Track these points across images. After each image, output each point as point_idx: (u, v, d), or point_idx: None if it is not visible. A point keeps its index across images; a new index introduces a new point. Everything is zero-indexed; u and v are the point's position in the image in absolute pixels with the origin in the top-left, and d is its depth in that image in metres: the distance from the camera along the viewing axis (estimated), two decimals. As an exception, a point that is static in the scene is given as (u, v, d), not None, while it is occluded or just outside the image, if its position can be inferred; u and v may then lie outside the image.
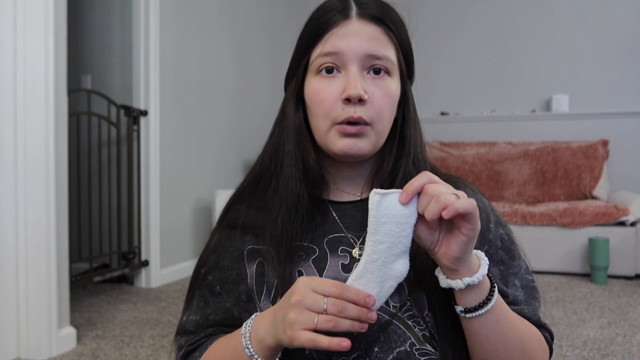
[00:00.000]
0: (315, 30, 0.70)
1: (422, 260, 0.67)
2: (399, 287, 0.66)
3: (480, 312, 0.62)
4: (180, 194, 3.54)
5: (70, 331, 2.25)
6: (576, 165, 4.13)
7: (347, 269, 0.70)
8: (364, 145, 0.69)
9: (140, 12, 3.20)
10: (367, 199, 0.68)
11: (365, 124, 0.68)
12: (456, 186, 0.72)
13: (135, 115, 3.21)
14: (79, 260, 2.98)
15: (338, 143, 0.69)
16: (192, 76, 3.63)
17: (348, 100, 0.67)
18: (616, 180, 4.25)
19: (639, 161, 4.24)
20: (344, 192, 0.76)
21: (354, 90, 0.66)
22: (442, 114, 4.79)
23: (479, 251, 0.64)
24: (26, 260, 2.11)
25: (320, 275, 0.70)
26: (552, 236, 3.62)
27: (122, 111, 3.21)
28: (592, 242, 3.36)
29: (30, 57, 2.10)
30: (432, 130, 4.76)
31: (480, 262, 0.62)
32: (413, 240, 0.61)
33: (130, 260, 3.23)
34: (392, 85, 0.71)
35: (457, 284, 0.60)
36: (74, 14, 3.30)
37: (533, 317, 0.73)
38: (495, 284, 0.64)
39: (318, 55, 0.69)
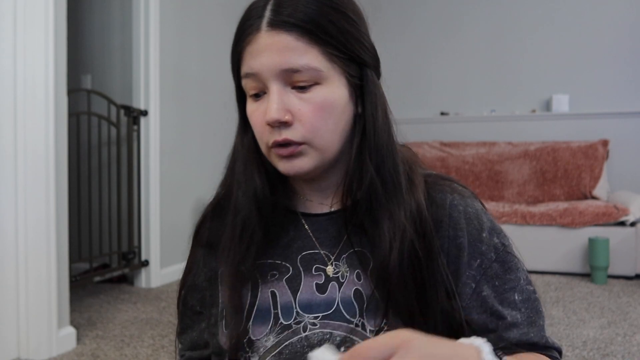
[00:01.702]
0: (234, 47, 0.64)
1: (395, 284, 0.62)
2: (376, 310, 0.64)
3: None
4: (180, 194, 3.54)
5: (70, 331, 2.25)
6: (576, 165, 4.13)
7: (322, 289, 0.66)
8: (304, 163, 0.63)
9: (140, 12, 3.20)
10: (339, 211, 0.67)
11: (298, 143, 0.62)
12: (442, 192, 0.67)
13: (135, 115, 3.21)
14: (79, 260, 2.98)
15: (279, 165, 0.64)
16: (192, 76, 3.63)
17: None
18: (616, 180, 4.25)
19: (639, 161, 4.24)
20: (317, 204, 0.71)
21: (269, 116, 0.60)
22: (442, 114, 4.79)
23: (479, 341, 0.49)
24: (26, 260, 2.11)
25: (294, 297, 0.67)
26: (552, 236, 3.62)
27: (122, 111, 3.21)
28: (592, 242, 3.36)
29: (30, 57, 2.10)
30: (432, 130, 4.76)
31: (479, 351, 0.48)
32: (377, 248, 0.61)
33: (130, 260, 3.23)
34: (326, 93, 0.61)
35: None
36: (74, 14, 3.30)
37: (540, 340, 0.66)
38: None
39: (242, 76, 0.64)
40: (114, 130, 3.26)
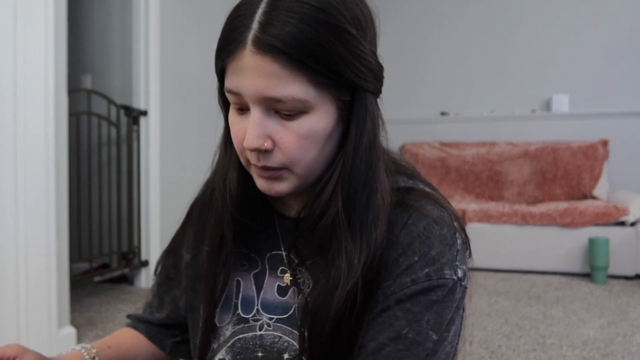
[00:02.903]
0: (219, 54, 0.58)
1: (316, 314, 0.59)
2: (291, 339, 0.63)
3: None
4: (180, 194, 3.53)
5: (70, 331, 2.25)
6: (576, 165, 4.13)
7: (283, 292, 0.65)
8: (283, 187, 0.60)
9: (140, 12, 3.20)
10: (301, 220, 0.62)
11: (277, 169, 0.59)
12: (406, 210, 0.61)
13: (135, 115, 3.21)
14: (79, 260, 2.98)
15: (257, 182, 0.61)
16: (192, 76, 3.63)
17: None
18: (616, 180, 4.25)
19: (639, 161, 4.24)
20: (289, 206, 0.68)
21: (247, 143, 0.56)
22: (442, 114, 4.79)
23: None
24: (26, 260, 2.11)
25: (258, 294, 0.67)
26: (552, 236, 3.62)
27: (122, 111, 3.21)
28: (592, 242, 3.36)
29: (30, 57, 2.10)
30: (432, 130, 4.76)
31: None
32: (324, 279, 0.59)
33: (130, 260, 3.23)
34: (312, 123, 0.57)
35: None
36: (74, 14, 3.30)
37: None
38: None
39: (226, 89, 0.59)
40: (114, 130, 3.26)
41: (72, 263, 2.48)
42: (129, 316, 0.85)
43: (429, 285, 0.58)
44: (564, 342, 2.30)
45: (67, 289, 2.26)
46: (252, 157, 0.59)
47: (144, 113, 3.24)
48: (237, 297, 0.68)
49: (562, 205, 3.75)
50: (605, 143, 4.19)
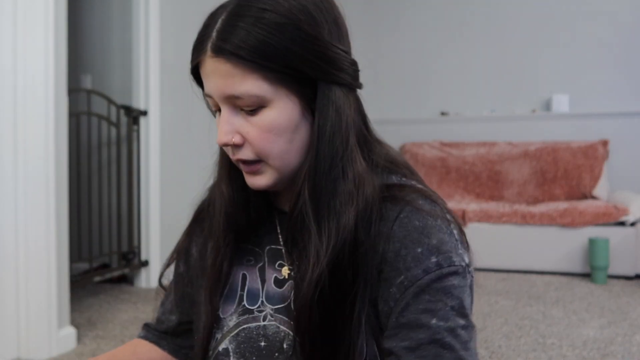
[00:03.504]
0: (191, 61, 0.65)
1: (300, 311, 0.61)
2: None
3: None
4: (180, 194, 3.54)
5: (70, 331, 2.25)
6: (576, 165, 4.13)
7: (281, 284, 0.68)
8: (264, 181, 0.64)
9: (140, 12, 3.20)
10: (288, 214, 0.65)
11: (253, 162, 0.63)
12: (397, 203, 0.62)
13: (135, 115, 3.21)
14: (79, 260, 2.98)
15: (245, 178, 0.67)
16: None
17: None
18: (616, 180, 4.25)
19: (639, 161, 4.24)
20: (285, 201, 0.71)
21: (218, 139, 0.63)
22: (442, 114, 4.79)
23: None
24: (26, 260, 2.11)
25: (262, 287, 0.70)
26: (552, 236, 3.62)
27: (122, 111, 3.21)
28: (592, 242, 3.36)
29: (30, 57, 2.10)
30: (432, 130, 4.76)
31: None
32: (299, 267, 0.61)
33: (130, 260, 3.23)
34: (272, 116, 0.61)
35: None
36: (73, 14, 3.30)
37: None
38: None
39: (203, 94, 0.66)
40: (114, 130, 3.26)
41: (72, 263, 2.48)
42: (146, 326, 0.86)
43: (441, 273, 0.58)
44: (564, 342, 2.30)
45: (67, 289, 2.26)
46: (230, 153, 0.64)
47: (144, 113, 3.24)
48: (242, 290, 0.70)
49: (562, 205, 3.75)
50: (605, 143, 4.19)
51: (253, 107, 0.61)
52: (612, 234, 3.47)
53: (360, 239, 0.61)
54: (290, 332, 0.65)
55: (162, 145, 3.34)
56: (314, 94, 0.62)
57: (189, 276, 0.79)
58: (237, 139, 0.62)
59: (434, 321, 0.57)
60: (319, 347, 0.61)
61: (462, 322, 0.58)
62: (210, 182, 0.80)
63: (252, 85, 0.59)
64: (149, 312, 2.73)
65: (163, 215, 3.36)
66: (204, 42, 0.61)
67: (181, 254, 0.81)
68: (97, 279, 3.05)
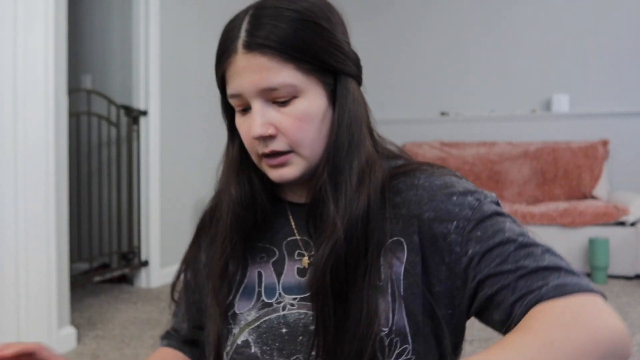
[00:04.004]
0: (216, 68, 0.69)
1: (318, 287, 0.64)
2: None
3: None
4: (180, 194, 3.54)
5: (70, 331, 2.25)
6: (576, 165, 4.13)
7: (303, 273, 0.71)
8: (292, 171, 0.68)
9: (140, 12, 3.20)
10: (307, 205, 0.70)
11: (285, 153, 0.67)
12: (409, 176, 0.69)
13: (135, 115, 3.22)
14: (79, 260, 2.98)
15: (269, 174, 0.69)
16: (192, 76, 3.63)
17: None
18: (616, 180, 4.25)
19: (639, 161, 4.23)
20: (299, 195, 0.75)
21: (253, 132, 0.65)
22: (442, 114, 4.79)
23: None
24: (26, 260, 2.11)
25: (278, 280, 0.72)
26: (552, 236, 3.62)
27: (122, 111, 3.21)
28: (592, 242, 3.36)
29: (30, 57, 2.10)
30: (432, 130, 4.76)
31: None
32: (317, 245, 0.65)
33: (130, 260, 3.23)
34: (305, 105, 0.66)
35: None
36: (74, 14, 3.30)
37: (540, 268, 0.59)
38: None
39: (228, 96, 0.69)
40: (114, 130, 3.26)
41: (72, 263, 2.48)
42: (167, 334, 0.88)
43: (484, 203, 0.64)
44: (564, 342, 2.30)
45: (67, 289, 2.27)
46: (261, 146, 0.67)
47: (144, 113, 3.24)
48: (259, 286, 0.73)
49: (562, 205, 3.75)
50: (605, 143, 4.19)
51: (287, 98, 0.65)
52: (612, 234, 3.47)
53: (373, 212, 0.65)
54: None
55: (162, 145, 3.35)
56: (334, 85, 0.68)
57: (196, 283, 0.81)
58: (271, 131, 0.65)
59: (506, 235, 0.61)
60: (333, 313, 0.64)
61: (523, 228, 0.64)
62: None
63: (287, 75, 0.64)
64: (149, 312, 2.73)
65: (163, 215, 3.36)
66: (233, 43, 0.65)
67: (189, 264, 0.82)
68: (97, 279, 3.05)
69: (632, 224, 3.50)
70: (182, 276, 0.83)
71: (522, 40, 4.55)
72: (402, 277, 0.65)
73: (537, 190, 4.21)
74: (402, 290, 0.65)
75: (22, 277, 2.12)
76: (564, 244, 3.59)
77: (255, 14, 0.65)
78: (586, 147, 4.17)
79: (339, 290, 0.64)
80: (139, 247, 3.27)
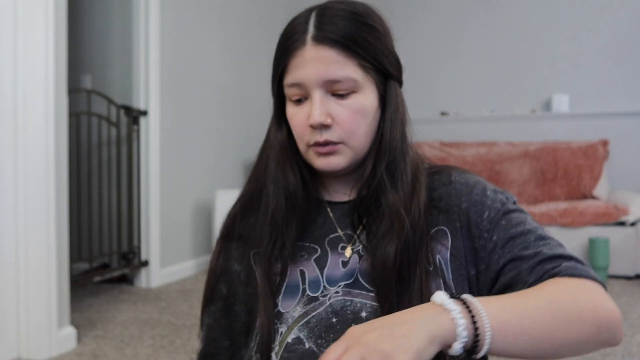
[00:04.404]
0: (279, 58, 0.73)
1: (382, 270, 0.68)
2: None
3: (486, 344, 0.54)
4: (180, 194, 3.54)
5: (70, 331, 2.25)
6: (576, 165, 4.13)
7: (345, 264, 0.74)
8: (340, 161, 0.72)
9: (140, 12, 3.20)
10: (354, 200, 0.75)
11: (336, 143, 0.71)
12: (446, 174, 0.76)
13: (135, 115, 3.22)
14: (79, 260, 2.98)
15: (316, 162, 0.73)
16: (192, 76, 3.63)
17: (314, 127, 0.70)
18: (616, 180, 4.25)
19: (639, 161, 4.23)
20: (340, 193, 0.79)
21: (312, 119, 0.69)
22: (442, 114, 4.79)
23: (435, 298, 0.56)
24: (26, 260, 2.11)
25: (322, 273, 0.74)
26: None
27: (122, 111, 3.21)
28: (592, 242, 3.36)
29: (30, 57, 2.10)
30: (432, 130, 4.76)
31: (435, 304, 0.55)
32: (376, 234, 0.70)
33: (130, 260, 3.23)
34: (361, 100, 0.71)
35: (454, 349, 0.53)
36: (74, 14, 3.30)
37: (555, 254, 0.66)
38: (475, 305, 0.55)
39: (286, 85, 0.72)
40: (114, 130, 3.26)
41: (72, 263, 2.48)
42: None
43: (511, 203, 0.73)
44: (564, 342, 2.30)
45: (67, 289, 2.27)
46: (315, 135, 0.70)
47: (144, 113, 3.24)
48: (304, 284, 0.74)
49: (562, 205, 3.75)
50: (605, 143, 4.19)
51: (346, 92, 0.70)
52: (612, 234, 3.47)
53: (426, 202, 0.72)
54: (368, 301, 0.70)
55: (162, 145, 3.35)
56: (384, 87, 0.73)
57: (233, 294, 0.79)
58: (329, 120, 0.70)
59: (527, 227, 0.70)
60: (395, 296, 0.68)
61: (540, 227, 0.72)
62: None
63: (350, 70, 0.69)
64: (149, 312, 2.73)
65: (163, 215, 3.36)
66: (302, 36, 0.69)
67: (221, 275, 0.80)
68: (97, 279, 3.05)
69: (632, 224, 3.50)
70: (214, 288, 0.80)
71: (522, 40, 4.55)
72: (449, 261, 0.71)
73: (537, 190, 4.21)
74: (450, 273, 0.70)
75: (22, 277, 2.12)
76: (564, 243, 3.56)
77: (322, 13, 0.70)
78: (586, 147, 4.17)
79: (400, 275, 0.68)
80: (139, 247, 3.27)
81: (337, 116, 0.70)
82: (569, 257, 0.66)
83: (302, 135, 0.72)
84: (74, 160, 2.91)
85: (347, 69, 0.69)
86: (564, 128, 4.41)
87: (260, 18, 4.39)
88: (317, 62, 0.68)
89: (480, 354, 0.55)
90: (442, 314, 0.53)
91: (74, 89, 3.09)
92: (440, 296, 0.55)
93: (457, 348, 0.53)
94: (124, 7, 3.37)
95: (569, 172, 4.14)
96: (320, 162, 0.72)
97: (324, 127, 0.70)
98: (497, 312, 0.55)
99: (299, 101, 0.72)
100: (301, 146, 0.74)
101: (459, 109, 4.77)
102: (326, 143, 0.70)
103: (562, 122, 4.42)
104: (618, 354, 2.14)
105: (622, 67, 4.28)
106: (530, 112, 4.55)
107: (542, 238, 0.69)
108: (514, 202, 0.74)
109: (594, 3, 4.36)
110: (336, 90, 0.70)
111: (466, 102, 4.74)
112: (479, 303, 0.55)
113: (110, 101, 3.17)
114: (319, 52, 0.68)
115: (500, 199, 0.73)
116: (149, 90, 3.23)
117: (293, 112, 0.73)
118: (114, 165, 3.26)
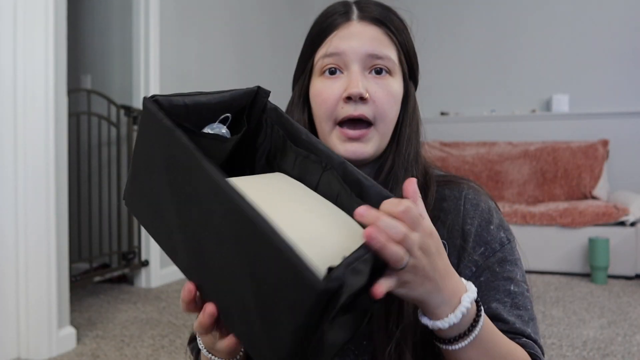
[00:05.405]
0: (318, 33, 0.73)
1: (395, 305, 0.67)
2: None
3: (463, 343, 0.57)
4: (180, 194, 3.53)
5: (70, 331, 2.25)
6: (576, 165, 4.13)
7: None
8: (368, 149, 0.70)
9: (140, 12, 3.20)
10: None
11: (368, 123, 0.70)
12: (457, 188, 0.75)
13: (135, 115, 3.21)
14: (79, 260, 2.98)
15: (340, 148, 0.70)
16: (192, 76, 3.63)
17: (349, 99, 0.69)
18: (616, 180, 4.25)
19: (639, 161, 4.24)
20: None
21: (354, 88, 0.68)
22: (442, 114, 4.79)
23: (465, 280, 0.59)
24: (26, 260, 2.11)
25: None
26: (552, 236, 3.62)
27: (122, 111, 3.21)
28: (592, 242, 3.36)
29: (30, 57, 2.10)
30: (432, 130, 4.75)
31: (466, 289, 0.57)
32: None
33: (130, 260, 3.23)
34: (395, 84, 0.71)
35: (441, 324, 0.56)
36: (74, 14, 3.30)
37: (524, 332, 0.69)
38: (482, 308, 0.59)
39: (321, 56, 0.71)
40: (114, 130, 3.26)
41: (72, 263, 2.48)
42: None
43: (510, 245, 0.72)
44: (564, 342, 2.30)
45: (67, 289, 2.26)
46: (348, 108, 0.69)
47: (144, 113, 3.23)
48: None
49: (562, 205, 3.75)
50: (605, 143, 4.19)
51: (385, 71, 0.71)
52: (612, 234, 3.47)
53: (432, 210, 0.72)
54: None
55: (162, 145, 3.34)
56: (406, 85, 0.74)
57: None
58: (368, 94, 0.69)
59: (512, 287, 0.70)
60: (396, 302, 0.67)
61: (526, 287, 0.72)
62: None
63: (391, 52, 0.71)
64: (149, 312, 2.73)
65: (163, 215, 3.35)
66: (346, 16, 0.72)
67: None
68: (97, 279, 3.05)
69: (632, 224, 3.50)
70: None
71: (522, 40, 4.55)
72: None
73: (537, 190, 4.21)
74: None
75: (22, 277, 2.12)
76: (564, 244, 3.59)
77: (361, 2, 0.74)
78: (586, 147, 4.17)
79: None
80: (139, 247, 3.27)
81: (374, 93, 0.69)
82: (534, 340, 0.69)
83: (332, 111, 0.70)
84: (74, 160, 2.91)
85: (389, 49, 0.71)
86: (564, 128, 4.41)
87: (261, 17, 4.39)
88: (363, 36, 0.70)
89: (458, 345, 0.57)
90: (464, 289, 0.57)
91: (74, 89, 3.09)
92: (473, 290, 0.58)
93: (450, 318, 0.55)
94: (124, 7, 3.37)
95: (569, 172, 4.14)
96: (347, 149, 0.70)
97: (361, 100, 0.69)
98: (487, 326, 0.60)
99: (332, 73, 0.71)
100: (327, 126, 0.71)
101: (459, 109, 4.77)
102: (359, 120, 0.69)
103: (562, 122, 4.43)
104: (618, 354, 2.14)
105: (622, 67, 4.28)
106: (530, 112, 4.55)
107: (518, 307, 0.70)
108: (513, 246, 0.73)
109: (594, 3, 4.36)
110: (375, 66, 0.70)
111: (466, 102, 4.74)
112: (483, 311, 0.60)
113: (110, 101, 3.17)
114: (365, 28, 0.70)
115: (501, 239, 0.72)
116: (149, 91, 3.22)
117: (323, 86, 0.71)
118: (114, 165, 3.26)
